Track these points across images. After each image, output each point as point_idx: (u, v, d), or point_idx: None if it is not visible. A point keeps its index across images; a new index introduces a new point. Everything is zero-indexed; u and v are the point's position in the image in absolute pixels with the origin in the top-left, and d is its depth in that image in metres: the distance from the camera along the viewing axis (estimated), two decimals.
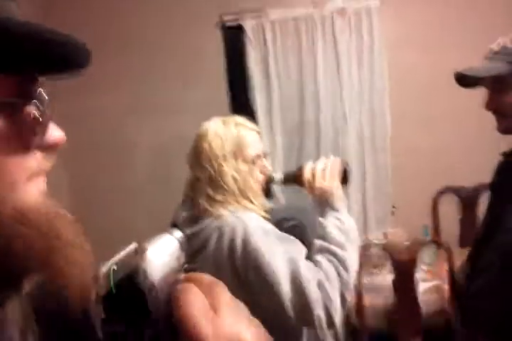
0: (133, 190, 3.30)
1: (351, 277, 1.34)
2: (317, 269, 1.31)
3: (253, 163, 1.47)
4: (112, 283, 0.58)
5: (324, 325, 1.29)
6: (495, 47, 1.22)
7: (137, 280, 0.55)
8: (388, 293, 2.20)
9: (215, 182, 1.41)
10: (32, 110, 0.45)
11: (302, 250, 1.38)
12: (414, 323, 2.12)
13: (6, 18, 0.41)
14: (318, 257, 1.34)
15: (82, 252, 0.48)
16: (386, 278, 2.32)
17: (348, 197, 3.08)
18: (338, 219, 1.40)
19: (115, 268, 0.58)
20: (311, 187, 1.46)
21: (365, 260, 2.38)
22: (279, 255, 1.31)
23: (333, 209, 1.43)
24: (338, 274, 1.31)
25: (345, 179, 1.50)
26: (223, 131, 1.44)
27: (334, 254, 1.33)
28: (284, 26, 3.03)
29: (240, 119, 1.50)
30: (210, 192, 1.41)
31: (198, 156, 1.44)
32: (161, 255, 0.59)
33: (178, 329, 0.51)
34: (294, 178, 1.52)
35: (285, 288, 1.28)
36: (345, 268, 1.32)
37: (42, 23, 0.42)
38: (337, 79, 3.04)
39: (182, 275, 0.58)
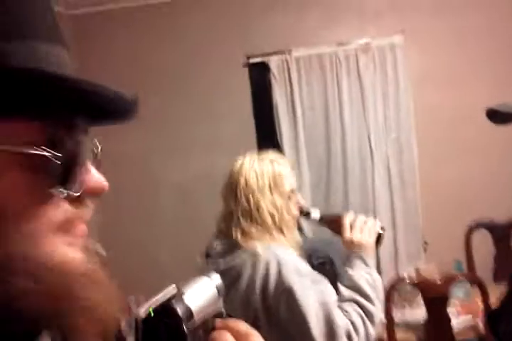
0: (159, 229, 3.33)
1: (374, 330, 1.37)
2: (346, 318, 1.32)
3: (289, 197, 1.49)
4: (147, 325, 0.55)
5: None
6: None
7: (174, 325, 0.54)
8: (420, 329, 2.14)
9: (250, 215, 1.43)
10: (52, 157, 0.42)
11: (333, 293, 1.38)
12: None
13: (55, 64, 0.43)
14: (348, 307, 1.34)
15: (108, 308, 0.45)
16: (417, 312, 2.26)
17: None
18: (370, 274, 1.41)
19: (151, 311, 0.55)
20: (347, 238, 1.47)
21: (397, 295, 2.34)
22: (312, 297, 1.31)
23: (365, 264, 1.43)
24: (365, 326, 1.33)
25: (378, 241, 1.51)
26: (259, 166, 1.47)
27: (363, 307, 1.34)
28: (309, 63, 3.10)
29: (274, 155, 1.55)
30: (245, 224, 1.43)
31: (234, 190, 1.46)
32: (198, 299, 0.58)
33: None
34: (331, 222, 1.53)
35: (316, 331, 1.28)
36: (372, 322, 1.35)
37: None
38: (362, 114, 3.07)
39: (219, 321, 0.57)
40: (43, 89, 0.39)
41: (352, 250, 1.45)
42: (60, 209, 0.43)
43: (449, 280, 2.14)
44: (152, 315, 0.55)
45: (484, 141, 2.98)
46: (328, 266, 2.63)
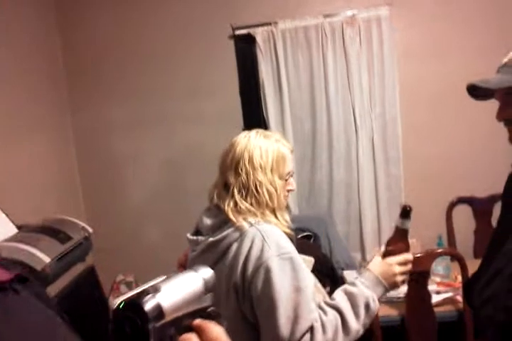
0: (144, 203, 3.32)
1: None
2: (316, 314, 1.32)
3: (285, 179, 1.50)
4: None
5: None
6: (506, 59, 1.23)
7: (139, 321, 0.53)
8: (401, 304, 2.19)
9: (247, 189, 1.43)
10: None
11: (311, 283, 1.39)
12: (428, 335, 2.10)
13: None
14: (330, 310, 1.34)
15: None
16: (399, 289, 2.30)
17: (361, 210, 3.10)
18: (374, 301, 1.38)
19: (121, 306, 0.55)
20: (390, 267, 1.43)
21: None
22: (288, 281, 1.31)
23: (378, 293, 1.41)
24: (335, 335, 1.31)
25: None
26: (265, 144, 1.47)
27: (345, 321, 1.33)
28: (295, 35, 3.04)
29: (278, 135, 1.54)
30: (239, 198, 1.43)
31: (235, 163, 1.45)
32: (174, 297, 0.56)
33: None
34: (396, 240, 1.46)
35: (282, 315, 1.28)
36: (345, 334, 1.32)
37: None
38: (348, 88, 3.05)
39: (195, 321, 0.56)
40: None
41: (383, 278, 1.41)
42: None
43: (429, 256, 2.18)
44: (120, 308, 0.54)
45: (469, 116, 2.98)
46: (313, 239, 2.67)
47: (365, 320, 1.36)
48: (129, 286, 3.16)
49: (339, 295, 1.39)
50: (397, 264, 1.42)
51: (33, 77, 2.79)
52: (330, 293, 1.78)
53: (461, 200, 2.97)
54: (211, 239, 1.44)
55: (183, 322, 0.56)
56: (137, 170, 3.30)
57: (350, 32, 3.00)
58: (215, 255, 1.43)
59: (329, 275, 2.38)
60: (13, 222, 1.85)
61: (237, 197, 1.43)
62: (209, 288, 0.60)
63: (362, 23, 3.00)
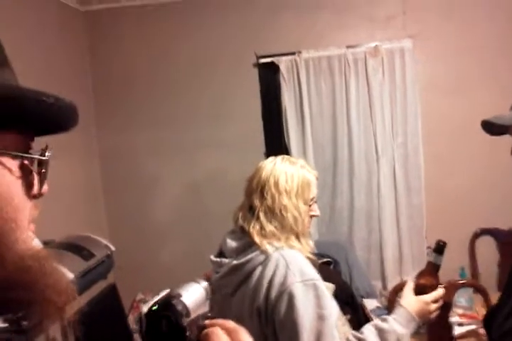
0: (167, 227, 3.35)
1: None
2: None
3: (309, 205, 1.51)
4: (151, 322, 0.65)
5: None
6: None
7: (175, 319, 0.62)
8: (422, 335, 2.14)
9: (272, 213, 1.45)
10: (35, 165, 0.53)
11: (335, 311, 1.37)
12: None
13: (8, 85, 0.50)
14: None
15: (66, 284, 0.55)
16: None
17: (382, 239, 3.07)
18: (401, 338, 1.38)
19: (156, 308, 0.65)
20: (425, 304, 1.43)
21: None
22: (311, 308, 1.31)
23: (411, 330, 1.41)
24: None
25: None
26: (291, 169, 1.49)
27: None
28: (318, 64, 3.10)
29: (303, 162, 1.57)
30: (264, 221, 1.44)
31: (261, 187, 1.48)
32: (192, 300, 0.67)
33: None
34: (426, 275, 1.48)
35: (305, 338, 1.28)
36: None
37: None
38: (370, 118, 3.07)
39: (206, 321, 0.64)
40: (22, 108, 0.48)
41: (415, 313, 1.41)
42: (31, 207, 0.53)
43: (452, 287, 2.14)
44: (156, 309, 0.64)
45: (491, 148, 2.97)
46: (332, 265, 2.65)
47: None
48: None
49: (368, 329, 1.37)
50: (432, 302, 1.41)
51: None
52: (350, 321, 1.76)
53: (485, 232, 2.94)
54: (235, 261, 1.44)
55: (198, 322, 0.66)
56: (160, 192, 3.33)
57: (373, 63, 3.05)
58: (238, 278, 1.43)
59: (349, 303, 2.35)
60: (38, 238, 1.87)
61: (262, 220, 1.45)
62: (208, 295, 0.72)
63: (385, 54, 3.04)
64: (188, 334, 0.63)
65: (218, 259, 1.53)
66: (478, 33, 3.03)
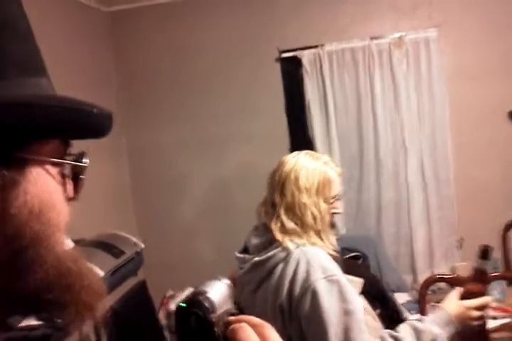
0: (193, 222, 3.37)
1: None
2: (366, 336, 1.30)
3: (330, 203, 1.49)
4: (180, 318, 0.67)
5: None
6: None
7: (203, 315, 0.65)
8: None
9: (293, 212, 1.44)
10: (73, 169, 0.56)
11: (360, 305, 1.36)
12: None
13: (48, 95, 0.53)
14: (390, 339, 1.32)
15: (100, 286, 0.56)
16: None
17: (412, 232, 3.03)
18: (436, 338, 1.35)
19: (184, 305, 0.67)
20: (463, 308, 1.41)
21: (432, 295, 2.30)
22: (336, 303, 1.29)
23: (448, 332, 1.39)
24: None
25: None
26: (312, 165, 1.48)
27: None
28: (341, 57, 3.07)
29: (327, 158, 1.55)
30: (285, 218, 1.44)
31: (281, 183, 1.47)
32: (218, 297, 0.68)
33: None
34: (476, 282, 1.45)
35: (333, 336, 1.26)
36: None
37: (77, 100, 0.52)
38: (395, 109, 3.03)
39: (231, 317, 0.67)
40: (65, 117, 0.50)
41: (454, 317, 1.40)
42: (68, 209, 0.55)
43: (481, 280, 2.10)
44: (184, 306, 0.67)
45: None
46: (361, 260, 2.62)
47: None
48: None
49: (404, 328, 1.36)
50: (474, 309, 1.39)
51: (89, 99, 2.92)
52: (380, 316, 1.74)
53: None
54: (257, 258, 1.45)
55: (224, 319, 0.67)
56: (187, 188, 3.37)
57: (397, 54, 3.00)
58: (260, 274, 1.43)
59: (379, 298, 2.32)
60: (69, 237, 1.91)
61: (283, 217, 1.44)
62: (231, 292, 0.73)
63: (410, 45, 2.99)
64: (216, 329, 0.65)
65: (242, 255, 1.53)
66: (503, 19, 2.96)
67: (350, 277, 1.54)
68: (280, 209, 1.45)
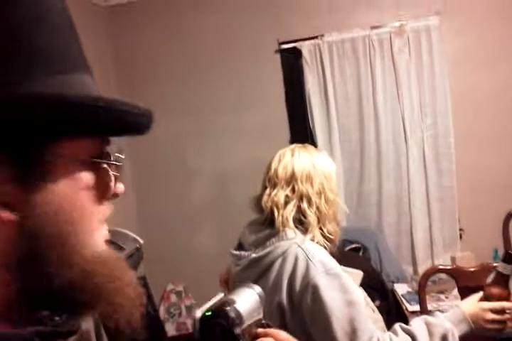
0: (192, 214, 3.38)
1: None
2: (372, 327, 1.30)
3: (337, 195, 1.50)
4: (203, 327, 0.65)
5: None
6: None
7: (228, 326, 0.62)
8: None
9: (297, 205, 1.44)
10: (110, 168, 0.55)
11: (361, 297, 1.36)
12: None
13: (86, 93, 0.52)
14: (401, 332, 1.32)
15: (134, 289, 0.55)
16: (453, 303, 2.23)
17: (412, 222, 3.03)
18: (453, 335, 1.33)
19: (209, 314, 0.65)
20: (479, 309, 1.38)
21: (432, 285, 2.31)
22: (338, 296, 1.30)
23: (461, 330, 1.37)
24: None
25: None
26: (317, 160, 1.48)
27: None
28: (341, 48, 3.04)
29: (323, 152, 1.56)
30: (288, 213, 1.43)
31: (286, 178, 1.46)
32: (246, 306, 0.66)
33: None
34: (495, 285, 1.41)
35: (339, 331, 1.27)
36: None
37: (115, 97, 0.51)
38: (397, 99, 3.01)
39: (259, 330, 0.65)
40: (97, 115, 0.49)
41: (468, 316, 1.37)
42: (103, 209, 0.55)
43: (485, 269, 2.10)
44: (209, 315, 0.64)
45: None
46: (362, 251, 2.63)
47: None
48: (179, 295, 3.21)
49: (417, 322, 1.36)
50: (491, 311, 1.37)
51: None
52: (379, 308, 1.74)
53: None
54: (254, 255, 1.44)
55: (251, 330, 0.66)
56: (187, 180, 3.37)
57: (398, 42, 2.97)
58: (257, 270, 1.43)
59: (378, 290, 2.34)
60: None
61: (286, 211, 1.44)
62: (262, 302, 0.70)
63: (410, 33, 2.96)
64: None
65: (237, 252, 1.53)
66: (504, 6, 2.92)
67: (350, 269, 1.55)
68: (285, 202, 1.45)
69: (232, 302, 0.65)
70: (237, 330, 0.62)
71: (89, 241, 0.51)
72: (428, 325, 1.34)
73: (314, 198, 1.43)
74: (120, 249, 1.85)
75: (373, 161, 3.05)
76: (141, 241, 2.05)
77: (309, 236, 1.42)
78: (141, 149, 3.39)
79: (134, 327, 0.54)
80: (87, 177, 0.51)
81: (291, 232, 1.41)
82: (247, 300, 0.67)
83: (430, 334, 1.32)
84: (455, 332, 1.33)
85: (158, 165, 3.40)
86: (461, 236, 3.03)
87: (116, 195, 0.57)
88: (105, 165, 0.54)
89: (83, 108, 0.48)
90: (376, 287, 2.27)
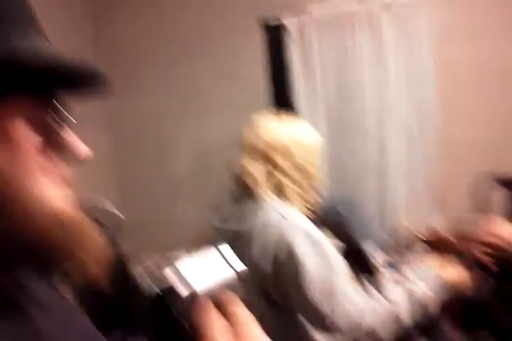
0: (175, 184, 3.39)
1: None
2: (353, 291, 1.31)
3: (318, 167, 1.48)
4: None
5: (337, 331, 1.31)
6: None
7: (176, 313, 0.57)
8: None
9: (276, 174, 1.46)
10: (54, 122, 0.53)
11: (340, 261, 1.38)
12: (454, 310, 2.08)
13: (33, 48, 0.49)
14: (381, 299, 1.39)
15: (99, 247, 0.55)
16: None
17: (392, 191, 3.05)
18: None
19: (158, 292, 0.60)
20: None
21: (411, 254, 2.34)
22: (317, 259, 1.31)
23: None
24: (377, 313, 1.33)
25: None
26: (289, 126, 1.47)
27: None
28: (327, 22, 2.99)
29: (304, 122, 1.56)
30: (269, 182, 1.45)
31: (261, 147, 1.48)
32: (210, 280, 0.59)
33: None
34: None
35: (314, 288, 1.29)
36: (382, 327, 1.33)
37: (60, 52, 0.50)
38: (381, 72, 2.99)
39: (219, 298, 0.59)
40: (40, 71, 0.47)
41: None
42: (58, 166, 0.53)
43: (463, 238, 2.13)
44: (158, 294, 0.59)
45: (509, 98, 2.90)
46: (340, 221, 2.64)
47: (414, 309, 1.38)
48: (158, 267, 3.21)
49: (397, 290, 1.38)
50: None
51: None
52: (358, 278, 1.77)
53: (497, 181, 2.89)
54: (236, 228, 1.44)
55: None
56: (170, 155, 3.38)
57: (385, 17, 2.93)
58: (241, 243, 1.44)
59: (358, 260, 2.36)
60: None
61: (264, 183, 1.43)
62: (240, 277, 0.62)
63: (398, 8, 2.92)
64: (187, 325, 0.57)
65: (220, 225, 1.53)
66: None
67: (330, 240, 1.56)
68: (262, 172, 1.44)
69: (185, 280, 0.58)
70: (184, 306, 0.57)
71: (44, 200, 0.50)
72: (408, 291, 1.37)
73: (293, 170, 1.43)
74: (99, 224, 1.83)
75: (356, 132, 3.06)
76: (122, 217, 2.02)
77: (290, 207, 1.42)
78: (122, 123, 3.36)
79: (100, 283, 0.54)
80: (35, 137, 0.50)
81: (272, 203, 1.41)
82: (211, 273, 0.61)
83: (410, 299, 1.35)
84: (435, 298, 1.37)
85: (140, 140, 3.38)
86: (441, 205, 3.08)
87: (78, 157, 0.55)
88: (56, 124, 0.53)
89: (29, 63, 0.46)
90: (356, 257, 2.29)
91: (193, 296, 0.57)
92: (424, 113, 3.01)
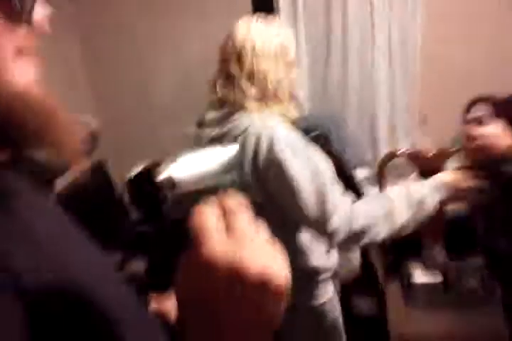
0: (157, 100, 3.26)
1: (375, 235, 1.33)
2: (342, 198, 1.29)
3: (292, 66, 1.41)
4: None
5: (339, 238, 1.30)
6: None
7: (152, 188, 0.55)
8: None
9: (252, 79, 1.37)
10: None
11: (328, 167, 1.36)
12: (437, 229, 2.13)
13: None
14: (374, 198, 1.37)
15: (66, 121, 0.52)
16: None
17: (375, 108, 3.01)
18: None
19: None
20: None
21: (390, 170, 2.35)
22: (304, 168, 1.29)
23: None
24: (364, 231, 1.30)
25: None
26: (267, 30, 1.38)
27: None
28: None
29: (280, 22, 1.45)
30: (246, 87, 1.37)
31: (237, 52, 1.37)
32: (189, 169, 0.56)
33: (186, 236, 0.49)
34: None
35: (307, 200, 1.28)
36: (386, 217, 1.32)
37: None
38: None
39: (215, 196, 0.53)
40: None
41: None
42: (21, 34, 0.48)
43: (443, 154, 2.13)
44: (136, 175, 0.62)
45: (494, 16, 2.82)
46: (323, 140, 2.61)
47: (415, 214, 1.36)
48: None
49: (394, 188, 1.38)
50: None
51: None
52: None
53: (481, 100, 2.87)
54: (214, 132, 1.41)
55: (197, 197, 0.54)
56: (150, 70, 3.22)
57: None
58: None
59: (341, 177, 2.36)
60: None
61: (243, 86, 1.37)
62: (231, 165, 0.58)
63: None
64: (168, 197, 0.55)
65: (199, 130, 1.48)
66: None
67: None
68: (239, 79, 1.38)
69: (170, 162, 0.57)
70: (165, 194, 0.54)
71: (8, 79, 0.46)
72: (406, 188, 1.37)
73: (265, 74, 1.36)
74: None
75: (339, 47, 2.94)
76: (95, 125, 1.94)
77: (269, 113, 1.37)
78: (97, 37, 3.18)
79: (77, 158, 0.53)
80: None
81: (252, 109, 1.36)
82: (195, 162, 0.57)
83: (407, 195, 1.35)
84: (435, 197, 1.38)
85: (120, 53, 3.22)
86: (424, 122, 3.08)
87: (31, 22, 0.49)
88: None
89: None
90: (339, 174, 2.29)
91: (172, 182, 0.55)
92: (407, 29, 2.90)
